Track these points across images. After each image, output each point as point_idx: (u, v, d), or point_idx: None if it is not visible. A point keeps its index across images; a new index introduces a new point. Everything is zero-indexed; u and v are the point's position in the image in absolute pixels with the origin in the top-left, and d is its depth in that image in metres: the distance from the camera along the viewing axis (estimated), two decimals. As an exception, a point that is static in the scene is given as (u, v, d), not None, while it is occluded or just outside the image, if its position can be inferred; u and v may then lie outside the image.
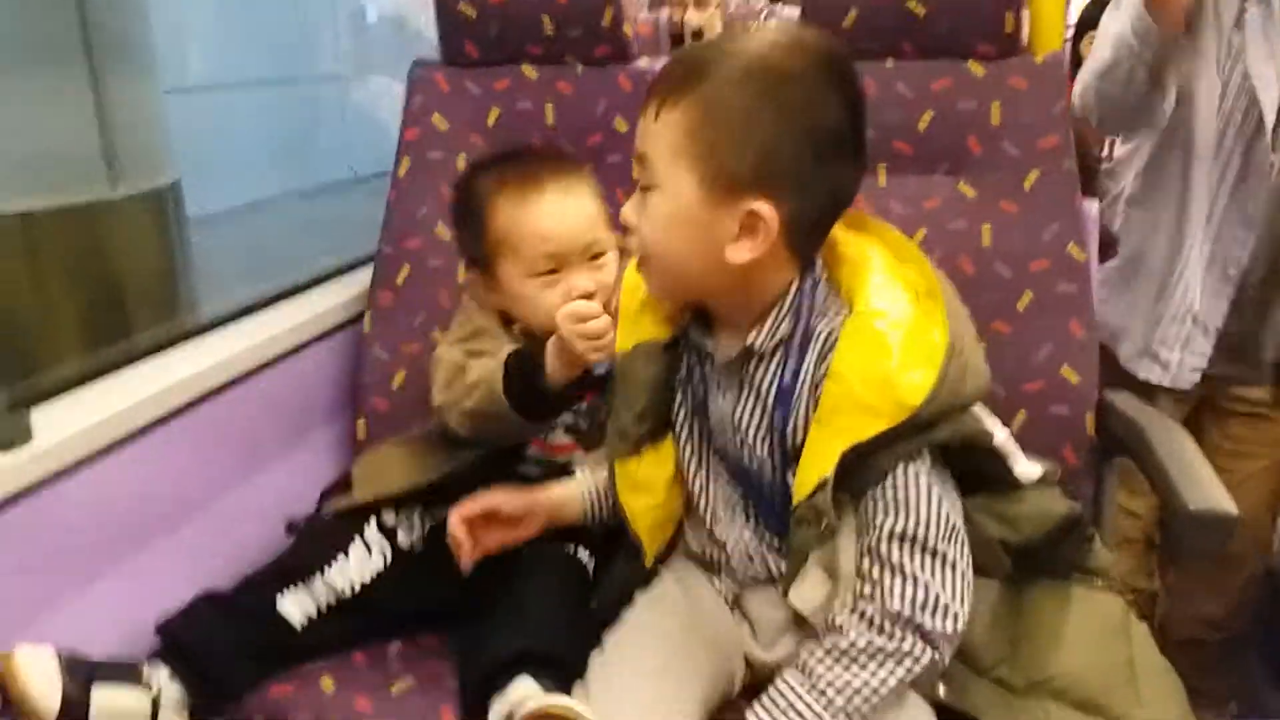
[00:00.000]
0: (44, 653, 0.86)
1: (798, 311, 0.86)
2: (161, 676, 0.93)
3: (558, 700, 0.84)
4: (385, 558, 1.09)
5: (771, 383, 0.87)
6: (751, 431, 0.89)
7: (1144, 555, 1.67)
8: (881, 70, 1.26)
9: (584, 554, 1.09)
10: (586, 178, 1.17)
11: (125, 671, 0.91)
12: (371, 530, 1.10)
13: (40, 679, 0.84)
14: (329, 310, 1.37)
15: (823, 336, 0.85)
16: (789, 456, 0.87)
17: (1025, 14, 1.26)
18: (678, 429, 0.96)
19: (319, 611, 1.03)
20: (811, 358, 0.86)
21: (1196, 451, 1.05)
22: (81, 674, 0.87)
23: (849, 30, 1.25)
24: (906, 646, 0.80)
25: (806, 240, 0.85)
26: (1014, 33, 1.23)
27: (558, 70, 1.38)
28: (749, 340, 0.87)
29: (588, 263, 1.12)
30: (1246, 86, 1.36)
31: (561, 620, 0.96)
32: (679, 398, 0.96)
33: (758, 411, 0.89)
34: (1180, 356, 1.47)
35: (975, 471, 0.88)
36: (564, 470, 1.13)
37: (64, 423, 0.99)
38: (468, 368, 1.07)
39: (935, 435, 0.82)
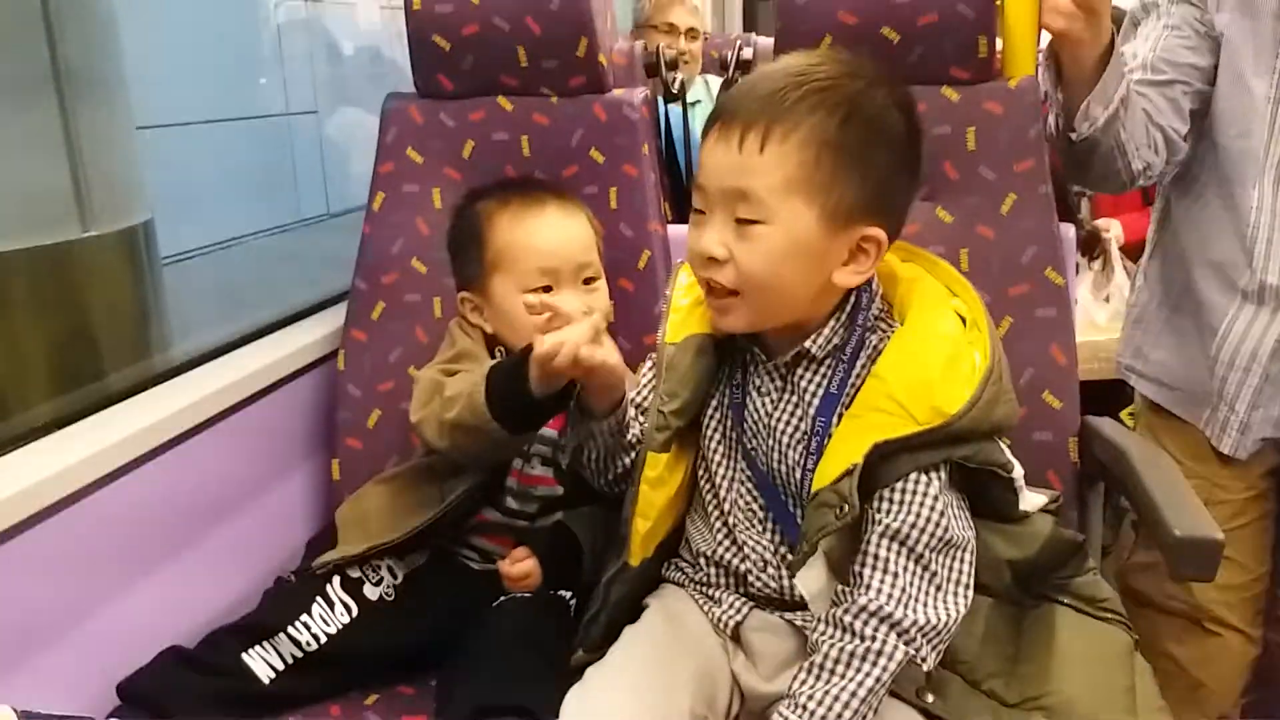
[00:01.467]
0: (2, 710, 0.83)
1: (853, 321, 0.91)
2: None
3: None
4: (350, 612, 1.08)
5: (818, 389, 0.91)
6: (788, 436, 0.92)
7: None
8: (856, 97, 1.26)
9: (565, 594, 1.08)
10: (585, 209, 1.23)
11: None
12: (334, 587, 1.09)
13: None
14: (303, 348, 1.35)
15: (872, 346, 0.90)
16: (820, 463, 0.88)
17: (998, 39, 1.26)
18: (709, 430, 0.97)
19: (285, 664, 1.02)
20: (860, 366, 0.90)
21: (1180, 477, 1.05)
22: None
23: (823, 58, 1.25)
24: (877, 645, 0.81)
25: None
26: (988, 58, 1.23)
27: (533, 101, 1.38)
28: (806, 344, 0.91)
29: (580, 285, 1.16)
30: None
31: (529, 670, 0.95)
32: (715, 399, 0.97)
33: (797, 415, 0.92)
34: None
35: (985, 504, 0.91)
36: (546, 506, 1.12)
37: (27, 472, 0.96)
38: (446, 384, 1.06)
39: (960, 451, 0.85)
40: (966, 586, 0.87)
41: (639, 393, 1.03)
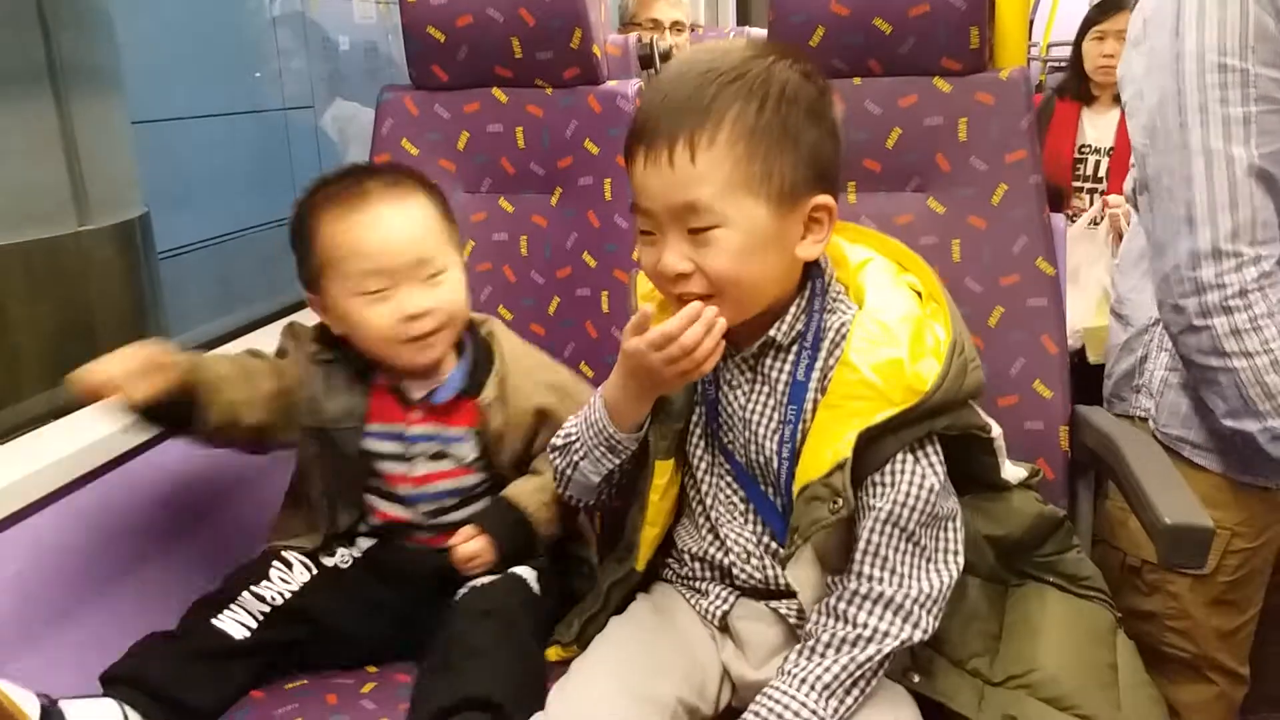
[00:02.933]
0: (15, 687, 0.85)
1: (812, 306, 0.91)
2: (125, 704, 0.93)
3: None
4: (310, 570, 1.08)
5: (787, 377, 0.91)
6: (763, 427, 0.92)
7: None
8: (849, 88, 1.27)
9: (524, 571, 1.08)
10: (427, 194, 1.10)
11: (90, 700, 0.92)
12: (290, 552, 1.09)
13: (17, 692, 0.84)
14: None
15: (834, 329, 0.91)
16: (797, 451, 0.89)
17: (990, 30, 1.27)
18: (693, 427, 0.98)
19: (256, 621, 1.02)
20: (823, 352, 0.91)
21: (1170, 465, 1.05)
22: (47, 699, 0.88)
23: (816, 48, 1.25)
24: (871, 627, 0.83)
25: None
26: (979, 48, 1.24)
27: (527, 93, 1.38)
28: (770, 332, 0.91)
29: (425, 281, 1.06)
30: None
31: (500, 661, 0.94)
32: (695, 397, 0.97)
33: (770, 405, 0.92)
34: None
35: (966, 472, 0.92)
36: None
37: (7, 470, 0.97)
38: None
39: (939, 423, 0.86)
40: (956, 554, 0.88)
41: None
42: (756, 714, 0.83)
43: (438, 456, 1.11)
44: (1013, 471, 0.99)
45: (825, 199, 0.88)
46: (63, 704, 0.87)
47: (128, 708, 0.92)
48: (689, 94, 0.85)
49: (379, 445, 1.10)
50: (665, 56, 1.83)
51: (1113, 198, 2.23)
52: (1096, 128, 2.55)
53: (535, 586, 1.07)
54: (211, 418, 1.03)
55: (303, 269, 1.10)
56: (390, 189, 1.07)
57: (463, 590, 1.06)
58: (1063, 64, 2.76)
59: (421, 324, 1.05)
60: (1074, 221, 2.34)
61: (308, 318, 1.39)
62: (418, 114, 1.40)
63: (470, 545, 1.06)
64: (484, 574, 1.07)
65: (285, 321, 1.22)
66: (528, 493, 1.10)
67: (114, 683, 0.95)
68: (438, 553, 1.08)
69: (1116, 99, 2.36)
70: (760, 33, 2.26)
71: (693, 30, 2.88)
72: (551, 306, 1.37)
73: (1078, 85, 2.58)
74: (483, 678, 0.91)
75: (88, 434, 1.04)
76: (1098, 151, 2.54)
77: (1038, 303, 1.20)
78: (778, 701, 0.83)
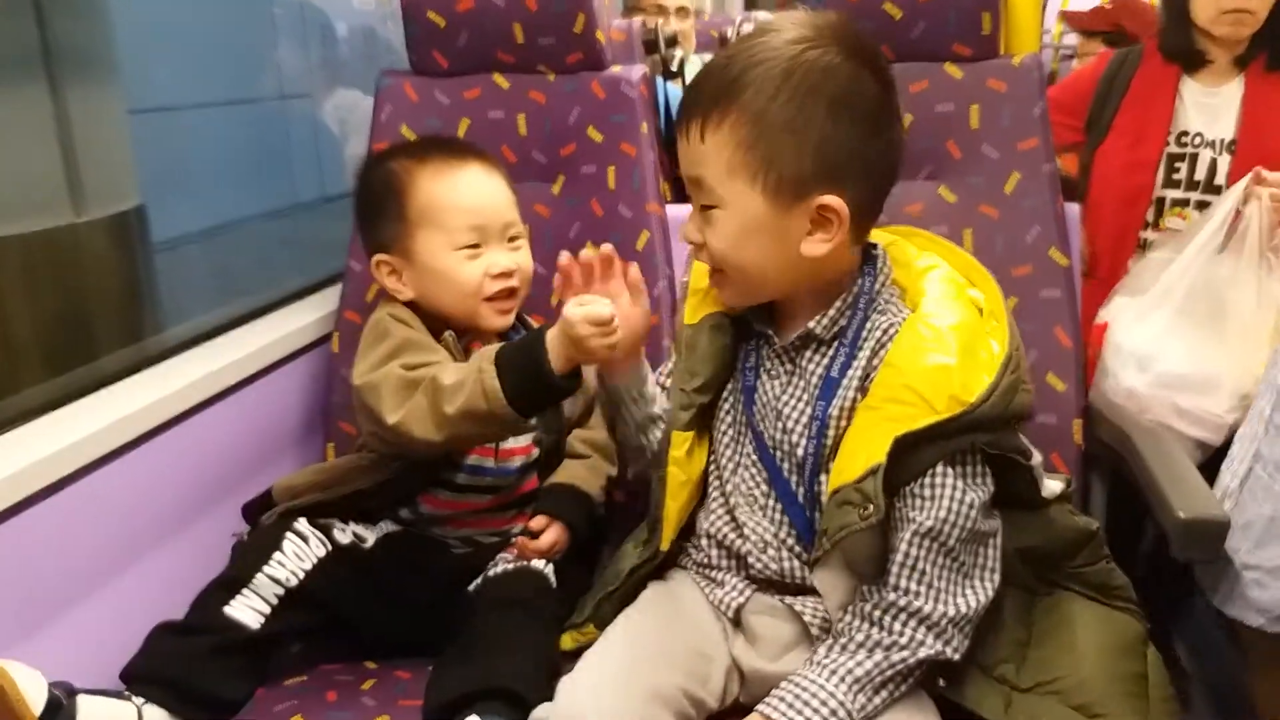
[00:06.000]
0: (26, 668, 0.84)
1: (858, 303, 0.90)
2: (141, 703, 0.92)
3: None
4: (324, 545, 1.06)
5: (822, 370, 0.90)
6: (793, 420, 0.91)
7: None
8: (858, 75, 1.24)
9: (541, 563, 1.08)
10: (501, 167, 1.18)
11: (110, 693, 0.91)
12: (303, 524, 1.07)
13: (26, 678, 0.83)
14: (296, 331, 1.33)
15: (881, 329, 0.89)
16: (824, 449, 0.88)
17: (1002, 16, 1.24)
18: (721, 411, 0.97)
19: (270, 608, 1.00)
20: (866, 351, 0.89)
21: (1184, 458, 1.04)
22: (66, 687, 0.87)
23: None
24: (905, 638, 0.82)
25: (869, 219, 0.89)
26: (991, 34, 1.22)
27: (529, 79, 1.36)
28: (810, 324, 0.90)
29: (507, 243, 1.13)
30: None
31: (517, 651, 0.94)
32: (731, 381, 0.97)
33: (803, 399, 0.91)
34: None
35: (1004, 490, 0.89)
36: (496, 478, 1.12)
37: (20, 454, 0.95)
38: (435, 375, 1.01)
39: (981, 438, 0.84)
40: (993, 571, 0.86)
41: (662, 374, 1.04)
42: (781, 698, 0.81)
43: (523, 430, 1.12)
44: (1049, 486, 0.96)
45: (831, 199, 0.84)
46: (80, 698, 0.87)
47: (148, 703, 0.92)
48: (721, 71, 0.85)
49: None
50: (670, 41, 1.80)
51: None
52: (1208, 108, 1.60)
53: (551, 578, 1.07)
54: None
55: (385, 228, 1.13)
56: (480, 155, 1.16)
57: (477, 581, 1.06)
58: (1074, 52, 2.60)
59: (506, 282, 1.12)
60: (1142, 250, 1.58)
61: (304, 311, 1.38)
62: (417, 100, 1.38)
63: (546, 538, 1.08)
64: (502, 564, 1.08)
65: (273, 315, 1.21)
66: (584, 477, 1.13)
67: (133, 680, 0.94)
68: (463, 555, 1.10)
69: (1240, 63, 1.58)
70: (767, 17, 2.23)
71: (698, 15, 2.86)
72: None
73: (1179, 38, 1.60)
74: (503, 669, 0.91)
75: (90, 423, 1.03)
76: (1212, 145, 1.59)
77: (1051, 294, 1.18)
78: (804, 689, 0.81)
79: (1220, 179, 1.58)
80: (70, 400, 1.08)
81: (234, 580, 1.01)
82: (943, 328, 0.85)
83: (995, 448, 0.86)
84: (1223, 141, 1.58)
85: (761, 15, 2.42)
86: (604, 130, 1.32)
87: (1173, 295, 1.24)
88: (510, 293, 1.13)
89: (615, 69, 1.35)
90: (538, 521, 1.09)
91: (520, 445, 1.14)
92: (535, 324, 1.18)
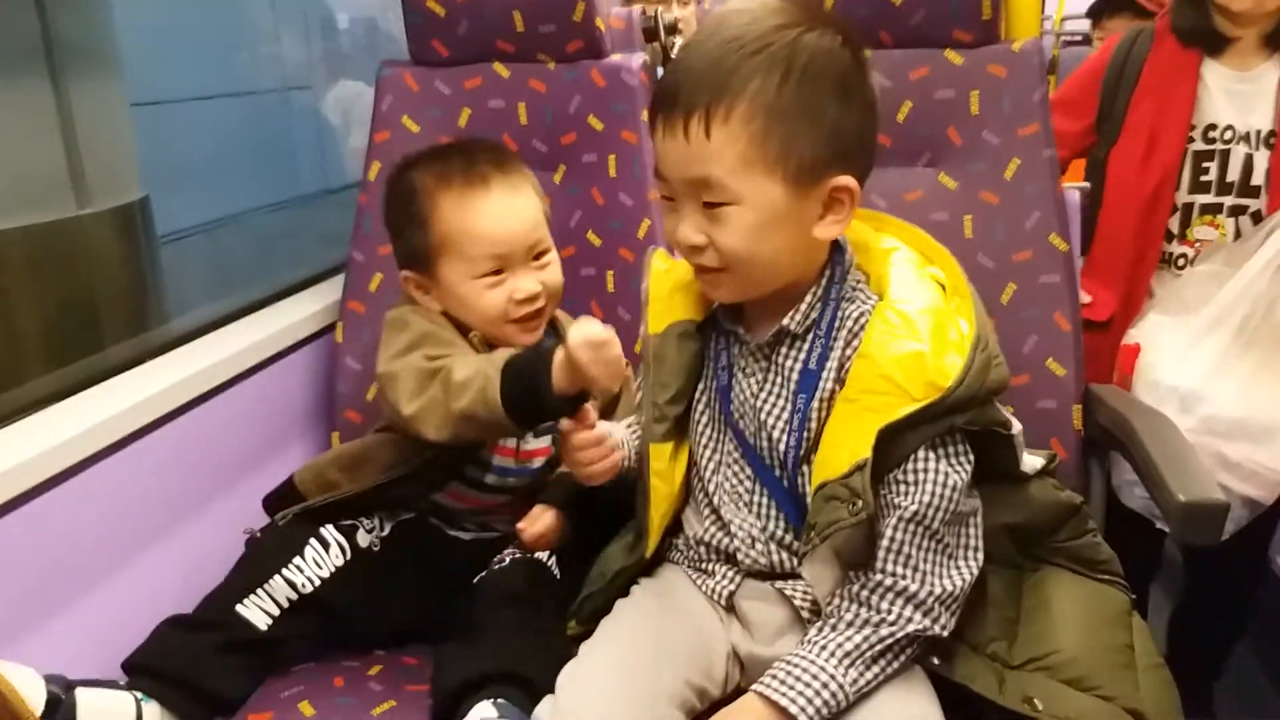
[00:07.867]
0: (21, 667, 0.84)
1: (829, 295, 0.89)
2: (140, 696, 0.92)
3: None
4: (345, 553, 1.07)
5: (800, 365, 0.90)
6: (773, 416, 0.91)
7: None
8: (858, 61, 1.24)
9: (545, 555, 1.08)
10: (529, 174, 1.14)
11: (105, 683, 0.91)
12: (329, 529, 1.07)
13: (22, 679, 0.83)
14: (300, 321, 1.34)
15: (852, 319, 0.88)
16: (805, 442, 0.88)
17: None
18: (698, 413, 0.96)
19: (280, 610, 1.01)
20: (839, 342, 0.88)
21: (1184, 442, 1.04)
22: (61, 681, 0.86)
23: (824, 21, 1.23)
24: (893, 616, 0.83)
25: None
26: (991, 20, 1.21)
27: (530, 68, 1.36)
28: (784, 321, 0.89)
29: (531, 263, 1.11)
30: None
31: (524, 638, 0.95)
32: (703, 383, 0.96)
33: (782, 395, 0.91)
34: None
35: (983, 463, 0.90)
36: (519, 477, 1.13)
37: (26, 445, 0.96)
38: (449, 368, 1.01)
39: (959, 419, 0.84)
40: (977, 550, 0.87)
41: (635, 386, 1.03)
42: (774, 675, 0.82)
43: (541, 432, 1.13)
44: (1030, 461, 0.97)
45: (846, 179, 0.85)
46: (79, 692, 0.86)
47: (147, 699, 0.92)
48: (710, 63, 0.82)
49: None
50: (670, 29, 1.80)
51: None
52: (1238, 95, 1.39)
53: (555, 569, 1.07)
54: None
55: (411, 247, 1.12)
56: (505, 174, 1.11)
57: (483, 572, 1.07)
58: (1077, 37, 2.54)
59: (532, 305, 1.10)
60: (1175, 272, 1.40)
61: (308, 302, 1.39)
62: (418, 90, 1.38)
63: (538, 526, 1.07)
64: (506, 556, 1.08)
65: (277, 305, 1.21)
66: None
67: (135, 671, 0.94)
68: (474, 542, 1.10)
69: (1271, 41, 1.37)
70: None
71: (698, 2, 2.84)
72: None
73: (1194, 16, 1.39)
74: (510, 654, 0.92)
75: (94, 414, 1.03)
76: (1246, 139, 1.38)
77: (1050, 279, 1.18)
78: (796, 664, 0.82)
79: (1258, 178, 1.36)
80: (74, 392, 1.09)
81: (251, 579, 1.02)
82: (911, 313, 0.85)
83: (976, 424, 0.86)
84: (1259, 134, 1.36)
85: None
86: (605, 118, 1.32)
87: (1226, 323, 1.09)
88: (536, 313, 1.11)
89: (615, 57, 1.35)
90: (534, 511, 1.09)
91: (540, 446, 1.14)
92: (561, 319, 1.17)
